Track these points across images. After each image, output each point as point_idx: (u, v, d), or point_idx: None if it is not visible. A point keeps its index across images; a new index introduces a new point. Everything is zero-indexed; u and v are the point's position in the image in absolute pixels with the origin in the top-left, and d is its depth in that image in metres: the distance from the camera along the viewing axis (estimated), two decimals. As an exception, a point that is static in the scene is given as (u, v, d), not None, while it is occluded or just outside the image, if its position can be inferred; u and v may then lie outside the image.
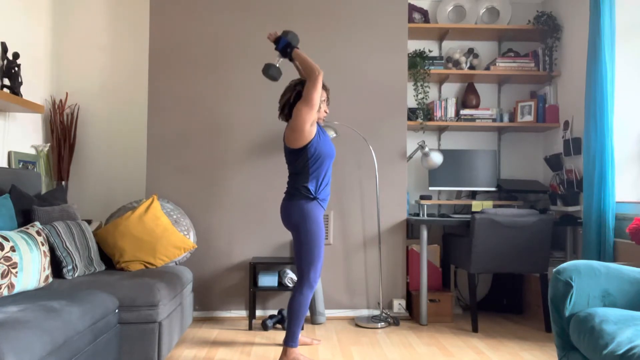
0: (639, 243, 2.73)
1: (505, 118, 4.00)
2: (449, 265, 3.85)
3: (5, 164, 3.21)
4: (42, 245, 2.30)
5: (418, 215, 3.81)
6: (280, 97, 2.71)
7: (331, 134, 3.49)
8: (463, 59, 4.01)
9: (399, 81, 3.73)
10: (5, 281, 2.04)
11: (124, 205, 3.24)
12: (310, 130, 2.58)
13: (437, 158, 3.69)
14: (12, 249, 2.09)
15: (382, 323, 3.41)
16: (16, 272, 2.09)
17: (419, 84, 3.99)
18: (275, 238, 3.63)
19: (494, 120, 3.95)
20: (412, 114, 3.94)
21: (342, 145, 3.69)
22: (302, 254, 2.61)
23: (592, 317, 1.75)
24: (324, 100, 2.75)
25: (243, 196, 3.62)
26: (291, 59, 2.74)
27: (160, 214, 3.02)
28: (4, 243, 2.07)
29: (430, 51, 4.04)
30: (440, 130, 4.16)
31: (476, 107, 4.05)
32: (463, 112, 3.94)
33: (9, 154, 3.25)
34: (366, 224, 3.69)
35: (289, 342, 2.61)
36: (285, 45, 2.69)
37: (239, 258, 3.61)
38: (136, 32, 3.95)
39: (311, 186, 2.61)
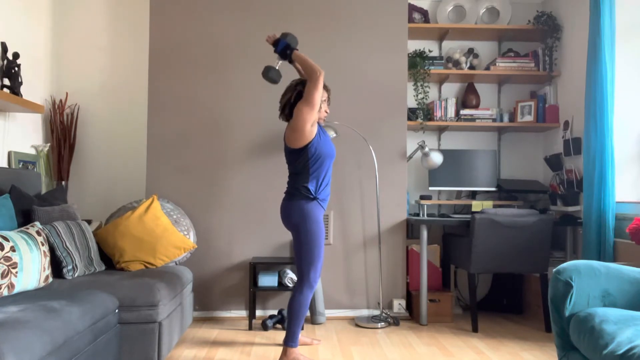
0: (639, 243, 2.73)
1: (505, 118, 4.00)
2: (449, 265, 3.85)
3: (5, 164, 3.21)
4: (42, 245, 2.30)
5: (418, 215, 3.81)
6: (281, 97, 2.71)
7: (331, 133, 3.49)
8: (463, 59, 4.01)
9: (399, 81, 3.73)
10: (5, 281, 2.04)
11: (124, 205, 3.24)
12: (310, 130, 2.58)
13: (437, 158, 3.69)
14: (12, 249, 2.09)
15: (382, 323, 3.41)
16: (16, 272, 2.09)
17: (419, 84, 3.99)
18: (275, 238, 3.63)
19: (494, 120, 3.95)
20: (412, 114, 3.94)
21: (342, 145, 3.69)
22: (302, 254, 2.61)
23: (592, 317, 1.75)
24: (325, 100, 2.76)
25: (243, 196, 3.62)
26: (291, 61, 2.74)
27: (160, 214, 3.02)
28: (4, 243, 2.07)
29: (430, 51, 4.04)
30: (440, 130, 4.16)
31: (476, 107, 4.05)
32: (463, 112, 3.94)
33: (9, 154, 3.25)
34: (366, 224, 3.69)
35: (289, 342, 2.61)
36: (284, 48, 2.69)
37: (239, 258, 3.61)
38: (136, 32, 3.95)
39: (311, 186, 2.61)
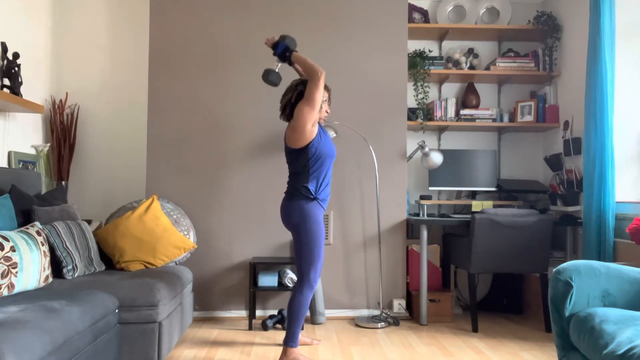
0: (639, 243, 2.73)
1: (505, 118, 4.00)
2: (449, 265, 3.85)
3: (5, 164, 3.21)
4: (42, 245, 2.30)
5: (418, 215, 3.81)
6: (282, 97, 2.71)
7: (331, 133, 3.49)
8: (463, 59, 4.01)
9: (399, 81, 3.73)
10: (5, 281, 2.04)
11: (124, 205, 3.24)
12: (311, 131, 2.58)
13: (437, 158, 3.69)
14: (12, 249, 2.09)
15: (382, 323, 3.41)
16: (16, 272, 2.09)
17: (419, 84, 3.99)
18: (275, 238, 3.63)
19: (494, 120, 3.95)
20: (412, 114, 3.94)
21: (342, 145, 3.69)
22: (302, 254, 2.61)
23: (592, 317, 1.75)
24: (326, 101, 2.76)
25: (243, 196, 3.62)
26: (290, 63, 2.74)
27: (160, 214, 3.02)
28: (4, 243, 2.07)
29: (430, 51, 4.04)
30: (440, 130, 4.16)
31: (476, 107, 4.05)
32: (463, 112, 3.94)
33: (9, 154, 3.25)
34: (366, 224, 3.69)
35: (289, 342, 2.61)
36: (283, 50, 2.69)
37: (239, 258, 3.61)
38: (136, 32, 3.95)
39: (311, 186, 2.61)
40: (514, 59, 3.93)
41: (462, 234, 3.85)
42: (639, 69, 3.28)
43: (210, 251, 3.59)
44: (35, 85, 3.58)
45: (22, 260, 2.12)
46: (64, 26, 3.90)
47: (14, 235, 2.16)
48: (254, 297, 3.36)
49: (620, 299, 1.90)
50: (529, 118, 3.95)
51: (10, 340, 1.51)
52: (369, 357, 2.78)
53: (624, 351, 1.51)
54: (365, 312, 3.66)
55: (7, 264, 2.05)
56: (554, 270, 1.96)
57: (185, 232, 3.18)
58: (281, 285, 3.40)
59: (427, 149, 3.68)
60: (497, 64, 3.92)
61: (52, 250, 2.49)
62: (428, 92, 4.13)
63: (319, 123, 2.70)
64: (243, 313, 3.59)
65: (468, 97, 4.07)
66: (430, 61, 3.93)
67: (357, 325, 3.44)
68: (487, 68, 4.00)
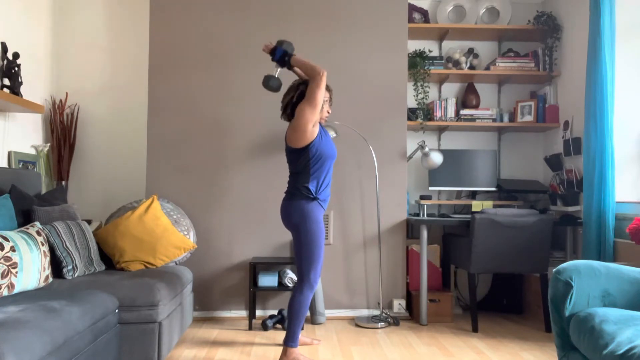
0: (639, 243, 2.73)
1: (505, 118, 4.00)
2: (449, 265, 3.85)
3: (5, 164, 3.21)
4: (42, 245, 2.30)
5: (418, 215, 3.81)
6: (283, 96, 2.71)
7: (331, 133, 3.49)
8: (463, 59, 4.01)
9: (399, 81, 3.73)
10: (5, 281, 2.04)
11: (124, 205, 3.24)
12: (312, 131, 2.58)
13: (437, 158, 3.69)
14: (12, 249, 2.09)
15: (382, 323, 3.41)
16: (16, 272, 2.09)
17: (419, 84, 3.99)
18: (275, 238, 3.63)
19: (494, 120, 3.95)
20: (412, 114, 3.94)
21: (342, 145, 3.69)
22: (302, 254, 2.61)
23: (592, 317, 1.75)
24: (327, 101, 2.75)
25: (243, 196, 3.62)
26: (290, 67, 2.74)
27: (160, 214, 3.03)
28: (4, 243, 2.07)
29: (430, 51, 4.04)
30: (440, 130, 4.16)
31: (476, 107, 4.05)
32: (463, 112, 3.94)
33: (9, 154, 3.25)
34: (366, 224, 3.69)
35: (289, 342, 2.61)
36: (282, 55, 2.69)
37: (239, 258, 3.61)
38: (136, 32, 3.95)
39: (312, 186, 2.61)
40: (514, 59, 3.93)
41: (462, 234, 3.85)
42: (639, 69, 3.28)
43: (210, 251, 3.59)
44: (35, 85, 3.58)
45: (22, 260, 2.12)
46: (64, 26, 3.90)
47: (14, 235, 2.16)
48: (254, 297, 3.36)
49: (620, 299, 1.90)
50: (529, 118, 3.95)
51: (10, 340, 1.51)
52: (369, 357, 2.78)
53: (624, 351, 1.51)
54: (365, 312, 3.66)
55: (7, 264, 2.05)
56: (554, 270, 1.96)
57: (185, 232, 3.18)
58: (281, 285, 3.40)
59: (427, 149, 3.68)
60: (497, 64, 3.92)
61: (52, 250, 2.49)
62: (428, 92, 4.13)
63: (319, 123, 2.70)
64: (243, 313, 3.59)
65: (468, 97, 4.07)
66: (430, 61, 3.93)
67: (357, 325, 3.44)
68: (487, 68, 4.00)
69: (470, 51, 4.08)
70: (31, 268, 2.17)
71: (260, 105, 3.65)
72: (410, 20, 4.00)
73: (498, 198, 4.02)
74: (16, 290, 2.10)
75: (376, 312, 3.64)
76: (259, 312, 3.62)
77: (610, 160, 3.04)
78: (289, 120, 2.71)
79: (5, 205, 2.42)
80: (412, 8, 4.05)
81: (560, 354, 1.95)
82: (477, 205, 3.67)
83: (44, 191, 3.46)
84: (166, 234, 2.95)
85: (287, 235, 3.63)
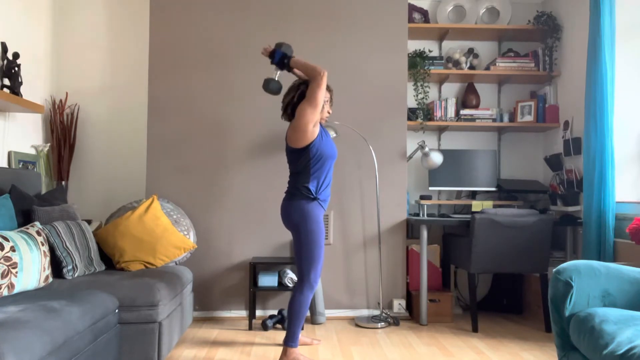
0: (639, 243, 2.73)
1: (505, 118, 4.00)
2: (449, 265, 3.85)
3: (5, 164, 3.21)
4: (42, 245, 2.30)
5: (418, 215, 3.81)
6: (284, 96, 2.71)
7: (331, 133, 3.49)
8: (463, 59, 4.01)
9: (399, 81, 3.73)
10: (5, 281, 2.04)
11: (124, 205, 3.24)
12: (313, 131, 2.58)
13: (437, 158, 3.69)
14: (12, 249, 2.09)
15: (382, 323, 3.41)
16: (16, 272, 2.09)
17: (419, 84, 3.99)
18: (275, 238, 3.63)
19: (494, 120, 3.95)
20: (412, 114, 3.94)
21: (342, 145, 3.69)
22: (302, 254, 2.61)
23: (592, 317, 1.75)
24: (327, 101, 2.75)
25: (243, 196, 3.62)
26: (289, 70, 2.74)
27: (160, 214, 3.02)
28: (4, 243, 2.07)
29: (430, 51, 4.04)
30: (440, 130, 4.16)
31: (476, 107, 4.05)
32: (463, 112, 3.94)
33: (9, 154, 3.25)
34: (366, 224, 3.69)
35: (289, 342, 2.61)
36: (281, 57, 2.69)
37: (239, 258, 3.61)
38: (136, 32, 3.95)
39: (312, 186, 2.61)
40: (514, 59, 3.93)
41: (462, 234, 3.85)
42: (639, 69, 3.28)
43: (210, 251, 3.59)
44: (35, 85, 3.58)
45: (22, 260, 2.12)
46: (64, 26, 3.90)
47: (14, 235, 2.16)
48: (254, 297, 3.36)
49: (620, 299, 1.90)
50: (529, 118, 3.95)
51: (10, 340, 1.51)
52: (369, 357, 2.78)
53: (624, 351, 1.51)
54: (365, 312, 3.66)
55: (7, 264, 2.05)
56: (554, 270, 1.96)
57: (185, 232, 3.18)
58: (281, 285, 3.40)
59: (427, 149, 3.68)
60: (497, 64, 3.92)
61: (52, 250, 2.49)
62: (428, 92, 4.13)
63: (320, 123, 2.70)
64: (243, 313, 3.59)
65: (468, 97, 4.07)
66: (430, 61, 3.93)
67: (357, 325, 3.44)
68: (487, 68, 4.00)
69: (470, 51, 4.08)
70: (31, 268, 2.17)
71: (260, 105, 3.65)
72: (410, 20, 4.00)
73: (498, 198, 4.02)
74: (16, 290, 2.10)
75: (376, 312, 3.64)
76: (259, 312, 3.62)
77: (610, 160, 3.04)
78: (289, 120, 2.71)
79: (5, 205, 2.42)
80: (412, 8, 4.05)
81: (560, 354, 1.95)
82: (477, 205, 3.67)
83: (44, 191, 3.46)
84: (166, 234, 2.95)
85: (287, 235, 3.63)
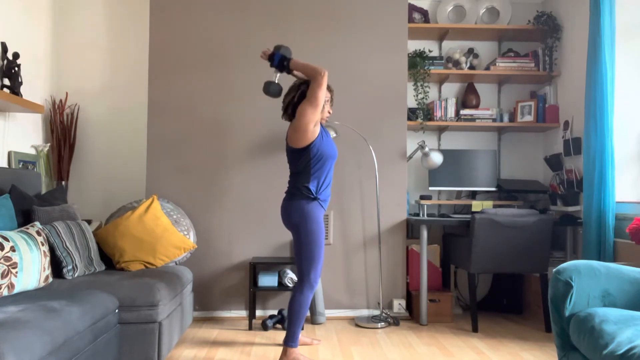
0: (639, 243, 2.73)
1: (505, 118, 4.00)
2: (449, 265, 3.85)
3: (5, 164, 3.21)
4: (42, 245, 2.30)
5: (418, 215, 3.81)
6: (284, 96, 2.71)
7: (331, 133, 3.49)
8: (463, 59, 4.01)
9: (399, 81, 3.73)
10: (5, 281, 2.04)
11: (124, 205, 3.24)
12: (313, 131, 2.58)
13: (437, 158, 3.69)
14: (12, 249, 2.09)
15: (382, 323, 3.41)
16: (16, 272, 2.09)
17: (419, 84, 3.99)
18: (275, 238, 3.63)
19: (494, 120, 3.95)
20: (412, 114, 3.94)
21: (342, 145, 3.69)
22: (302, 254, 2.61)
23: (592, 317, 1.75)
24: (328, 101, 2.75)
25: (243, 196, 3.62)
26: (289, 72, 2.73)
27: (160, 214, 3.02)
28: (4, 243, 2.07)
29: (430, 51, 4.04)
30: (440, 130, 4.16)
31: (476, 107, 4.05)
32: (463, 112, 3.94)
33: (9, 154, 3.25)
34: (366, 224, 3.69)
35: (289, 342, 2.61)
36: (280, 60, 2.69)
37: (239, 258, 3.61)
38: (136, 32, 3.95)
39: (312, 186, 2.61)
40: (514, 59, 3.93)
41: (462, 234, 3.85)
42: (639, 69, 3.28)
43: (210, 251, 3.59)
44: (35, 85, 3.58)
45: (22, 260, 2.12)
46: (64, 26, 3.90)
47: (14, 235, 2.16)
48: (254, 297, 3.36)
49: (620, 299, 1.90)
50: (529, 118, 3.95)
51: (10, 340, 1.51)
52: (369, 357, 2.78)
53: (624, 351, 1.51)
54: (365, 312, 3.66)
55: (7, 264, 2.05)
56: (554, 270, 1.96)
57: (185, 232, 3.18)
58: (281, 285, 3.40)
59: (427, 149, 3.68)
60: (497, 64, 3.92)
61: (52, 250, 2.49)
62: (428, 92, 4.13)
63: (320, 123, 2.70)
64: (243, 313, 3.59)
65: (468, 97, 4.07)
66: (430, 61, 3.93)
67: (357, 325, 3.44)
68: (487, 68, 4.00)
69: (470, 51, 4.08)
70: (31, 268, 2.17)
71: (260, 105, 3.65)
72: (410, 20, 4.00)
73: (498, 198, 4.02)
74: (16, 290, 2.10)
75: (376, 312, 3.64)
76: (259, 312, 3.62)
77: (610, 160, 3.04)
78: (290, 120, 2.71)
79: (5, 205, 2.42)
80: (412, 8, 4.05)
81: (560, 354, 1.95)
82: (477, 205, 3.67)
83: (44, 191, 3.46)
84: (166, 234, 2.95)
85: (287, 235, 3.63)
